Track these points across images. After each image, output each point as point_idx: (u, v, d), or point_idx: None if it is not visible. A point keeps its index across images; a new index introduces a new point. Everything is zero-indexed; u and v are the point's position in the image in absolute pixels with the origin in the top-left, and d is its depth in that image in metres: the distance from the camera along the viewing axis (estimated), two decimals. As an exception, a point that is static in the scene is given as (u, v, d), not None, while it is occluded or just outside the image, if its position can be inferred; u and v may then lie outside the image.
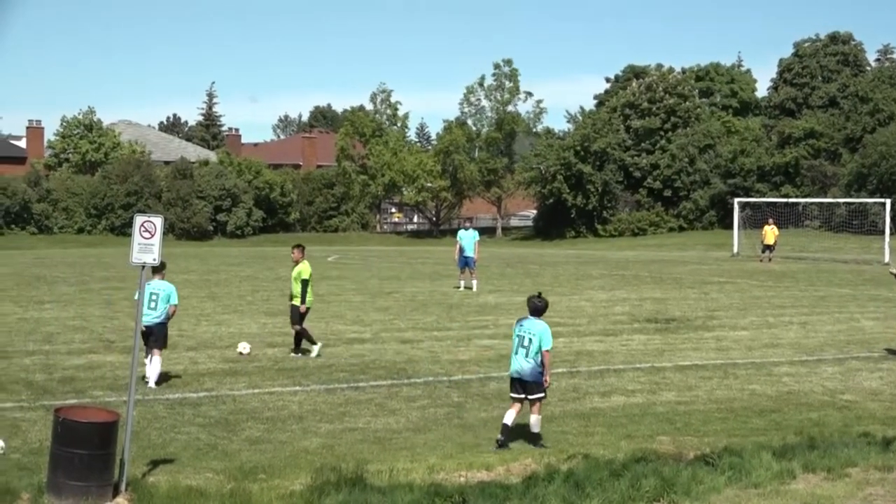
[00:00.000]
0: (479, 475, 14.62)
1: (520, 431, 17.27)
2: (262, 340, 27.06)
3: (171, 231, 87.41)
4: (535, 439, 16.80)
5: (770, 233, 62.53)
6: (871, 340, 28.94)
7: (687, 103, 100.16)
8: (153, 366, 21.35)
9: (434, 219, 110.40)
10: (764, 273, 53.13)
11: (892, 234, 64.89)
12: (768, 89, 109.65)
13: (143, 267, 14.53)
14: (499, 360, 24.73)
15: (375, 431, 17.61)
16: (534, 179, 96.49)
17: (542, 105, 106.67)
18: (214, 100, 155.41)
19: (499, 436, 16.61)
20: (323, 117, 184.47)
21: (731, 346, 27.55)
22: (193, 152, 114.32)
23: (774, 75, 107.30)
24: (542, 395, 16.95)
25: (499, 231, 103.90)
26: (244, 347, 24.95)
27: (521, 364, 16.73)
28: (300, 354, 24.85)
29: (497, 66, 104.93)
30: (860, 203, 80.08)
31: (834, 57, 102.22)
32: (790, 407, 19.90)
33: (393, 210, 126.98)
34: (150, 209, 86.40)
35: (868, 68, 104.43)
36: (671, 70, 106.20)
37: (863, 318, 34.16)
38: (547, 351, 16.69)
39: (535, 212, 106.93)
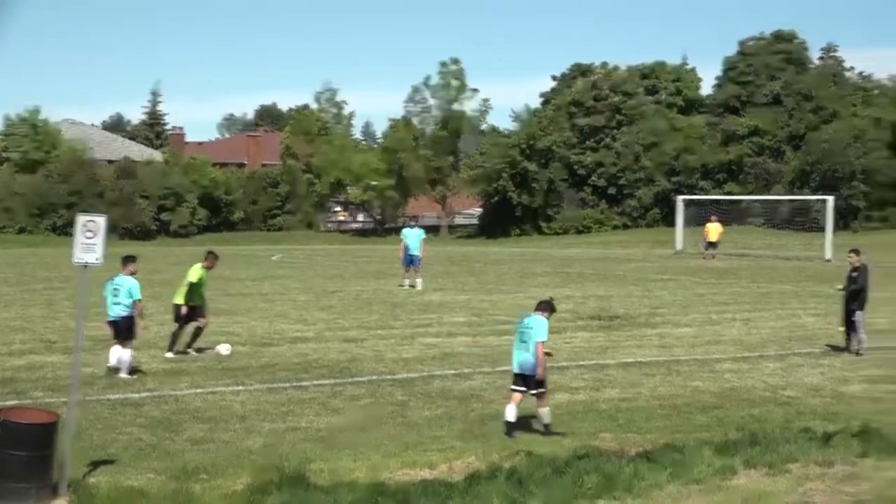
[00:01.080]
0: (422, 473, 14.62)
1: (456, 427, 17.33)
2: (204, 340, 26.86)
3: (115, 231, 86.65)
4: (548, 430, 17.25)
5: (713, 230, 62.99)
6: (812, 336, 29.18)
7: (632, 101, 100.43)
8: (123, 353, 21.95)
9: (379, 217, 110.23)
10: (707, 270, 53.46)
11: (834, 231, 65.50)
12: (713, 87, 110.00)
13: (86, 266, 14.42)
14: (443, 358, 24.79)
15: (318, 430, 17.56)
16: (479, 178, 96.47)
17: (488, 103, 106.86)
18: (159, 98, 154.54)
19: (507, 432, 17.13)
20: (268, 116, 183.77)
21: (674, 343, 27.68)
22: (137, 151, 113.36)
23: (719, 73, 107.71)
24: (542, 389, 17.40)
25: (444, 229, 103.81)
26: (225, 349, 24.96)
27: (523, 357, 17.32)
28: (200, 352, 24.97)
29: (443, 65, 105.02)
30: (803, 200, 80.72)
31: (778, 55, 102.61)
32: (732, 403, 20.02)
33: (338, 209, 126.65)
34: (92, 209, 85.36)
35: (812, 66, 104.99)
36: (616, 68, 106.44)
37: (804, 314, 34.44)
38: (541, 342, 17.27)
39: (480, 210, 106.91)
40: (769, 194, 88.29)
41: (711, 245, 62.86)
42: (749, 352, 26.39)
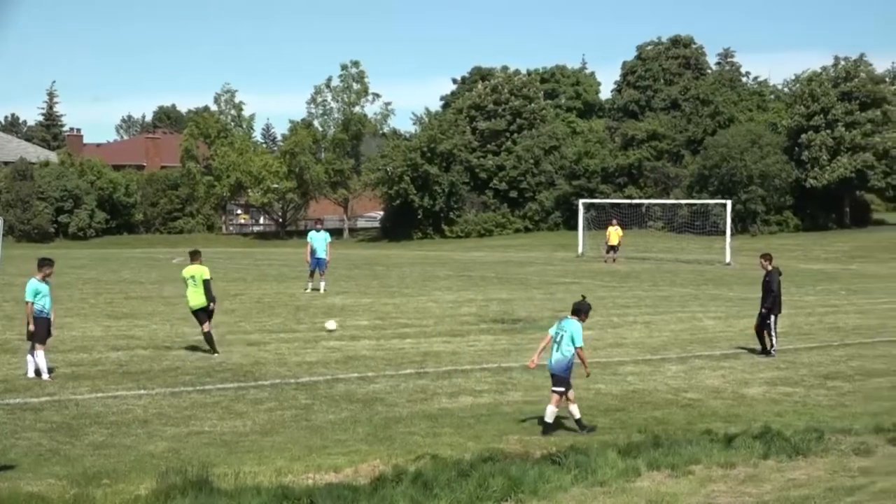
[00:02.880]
0: (328, 477, 14.57)
1: (361, 430, 17.29)
2: (105, 344, 26.69)
3: (11, 233, 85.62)
4: (581, 425, 17.83)
5: (614, 233, 63.31)
6: (712, 339, 29.47)
7: (532, 105, 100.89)
8: (38, 360, 21.98)
9: (280, 220, 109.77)
10: (608, 273, 53.77)
11: (732, 234, 66.26)
12: (612, 91, 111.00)
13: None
14: (346, 361, 24.70)
15: (222, 434, 17.42)
16: (380, 181, 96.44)
17: (389, 107, 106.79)
18: (55, 99, 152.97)
19: (543, 432, 17.62)
20: (167, 118, 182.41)
21: (576, 346, 27.77)
22: (34, 153, 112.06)
23: (618, 78, 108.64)
24: (561, 388, 17.78)
25: (346, 232, 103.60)
26: (331, 324, 26.99)
27: (554, 357, 17.90)
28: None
29: (344, 67, 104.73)
30: (702, 204, 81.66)
31: (676, 60, 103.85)
32: (635, 405, 20.16)
33: (239, 211, 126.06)
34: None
35: (709, 71, 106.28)
36: (517, 72, 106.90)
37: (705, 317, 34.75)
38: (579, 348, 17.92)
39: (381, 213, 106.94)
40: (668, 198, 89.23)
41: (612, 248, 63.20)
42: (651, 354, 26.62)
